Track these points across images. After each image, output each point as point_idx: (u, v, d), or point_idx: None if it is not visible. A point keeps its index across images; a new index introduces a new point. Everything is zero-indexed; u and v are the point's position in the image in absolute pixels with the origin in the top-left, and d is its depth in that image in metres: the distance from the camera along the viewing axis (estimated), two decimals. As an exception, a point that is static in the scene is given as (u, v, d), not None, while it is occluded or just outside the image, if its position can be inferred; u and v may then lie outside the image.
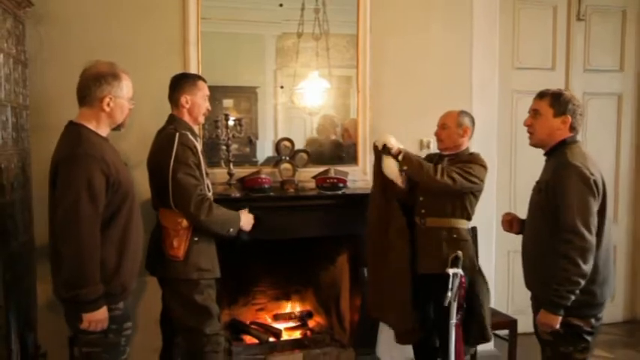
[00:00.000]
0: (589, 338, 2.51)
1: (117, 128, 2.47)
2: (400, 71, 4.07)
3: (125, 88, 2.39)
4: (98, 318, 2.26)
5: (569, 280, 2.40)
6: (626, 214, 5.06)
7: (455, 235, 3.15)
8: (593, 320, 2.51)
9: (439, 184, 3.04)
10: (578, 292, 2.41)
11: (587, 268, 2.39)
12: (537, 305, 2.57)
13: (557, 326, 2.47)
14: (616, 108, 4.95)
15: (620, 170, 5.01)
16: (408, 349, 4.17)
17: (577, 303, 2.43)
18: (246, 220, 2.98)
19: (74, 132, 2.32)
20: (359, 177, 3.98)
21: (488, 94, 4.30)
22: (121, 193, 2.33)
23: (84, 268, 2.20)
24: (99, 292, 2.24)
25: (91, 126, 2.35)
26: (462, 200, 3.14)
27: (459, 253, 2.96)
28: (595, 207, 2.43)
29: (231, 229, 2.88)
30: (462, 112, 3.29)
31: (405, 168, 3.14)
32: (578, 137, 2.64)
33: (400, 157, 3.16)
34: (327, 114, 4.12)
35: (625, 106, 4.96)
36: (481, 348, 4.16)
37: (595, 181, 2.43)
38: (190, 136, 2.83)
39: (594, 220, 2.42)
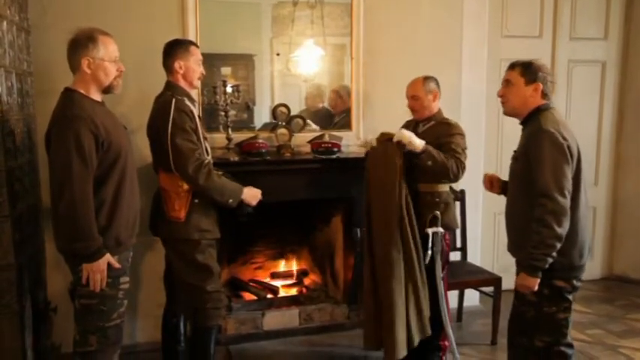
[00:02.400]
0: (570, 297, 2.53)
1: (107, 91, 2.45)
2: (393, 39, 4.04)
3: (103, 49, 2.37)
4: (96, 269, 2.31)
5: (544, 243, 2.38)
6: (606, 177, 5.10)
7: (437, 199, 3.20)
8: (574, 281, 2.53)
9: (456, 174, 3.09)
10: (555, 254, 2.40)
11: (561, 230, 2.37)
12: (519, 270, 2.55)
13: (536, 288, 2.46)
14: (600, 75, 4.94)
15: (602, 135, 5.03)
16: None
17: (559, 265, 2.44)
18: (250, 193, 2.94)
19: (66, 97, 2.36)
20: (352, 142, 3.98)
21: (477, 62, 4.28)
22: (112, 154, 2.35)
23: (79, 223, 2.24)
24: (96, 245, 2.29)
25: (83, 90, 2.36)
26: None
27: (437, 213, 3.05)
28: (569, 171, 2.40)
29: (231, 200, 2.84)
30: (426, 78, 3.27)
31: (429, 163, 3.08)
32: (553, 104, 2.60)
33: (425, 156, 3.07)
34: (316, 82, 4.08)
35: (608, 73, 4.95)
36: (467, 304, 4.26)
37: (569, 147, 2.40)
38: (187, 102, 2.81)
39: (568, 184, 2.39)
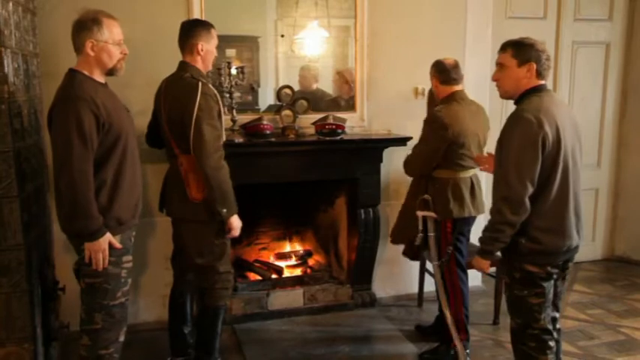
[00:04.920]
0: (545, 284, 2.44)
1: (111, 73, 2.44)
2: (397, 21, 4.00)
3: (107, 32, 2.36)
4: (97, 248, 2.32)
5: (492, 228, 2.40)
6: (608, 160, 5.09)
7: (436, 185, 3.17)
8: (549, 268, 2.42)
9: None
10: (506, 239, 2.39)
11: (514, 218, 2.33)
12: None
13: (488, 270, 2.58)
14: (603, 57, 4.91)
15: (605, 117, 5.01)
16: (401, 286, 4.30)
17: (527, 250, 2.39)
18: (237, 223, 2.86)
19: (69, 77, 2.37)
20: (356, 123, 3.97)
21: (482, 44, 4.24)
22: (112, 135, 2.35)
23: (78, 202, 2.26)
24: (96, 224, 2.30)
25: (86, 72, 2.37)
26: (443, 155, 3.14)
27: (425, 196, 3.03)
28: (535, 162, 2.31)
29: (225, 210, 2.76)
30: (432, 64, 3.27)
31: None
32: (547, 85, 2.49)
33: None
34: (306, 65, 4.04)
35: (612, 55, 4.92)
36: (470, 284, 4.24)
37: (544, 137, 2.29)
38: (210, 85, 2.78)
39: (531, 173, 2.31)
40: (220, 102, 2.79)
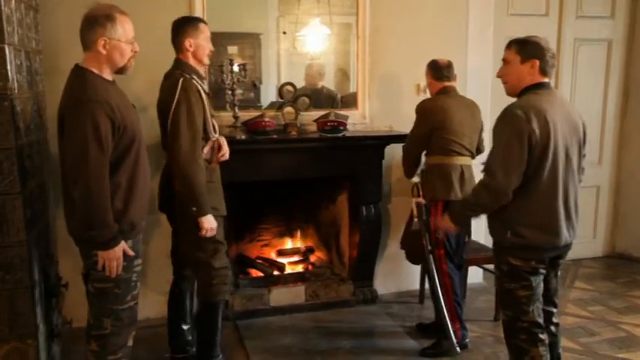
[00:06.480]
0: (532, 278, 2.46)
1: (120, 72, 2.35)
2: (399, 18, 4.00)
3: (121, 29, 2.25)
4: (112, 256, 2.26)
5: (468, 202, 2.59)
6: (610, 157, 5.08)
7: (427, 171, 3.31)
8: (533, 262, 2.45)
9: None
10: (475, 217, 2.65)
11: (490, 204, 2.45)
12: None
13: (451, 230, 2.80)
14: (605, 54, 4.89)
15: (607, 115, 4.99)
16: (402, 283, 4.30)
17: (510, 243, 2.45)
18: (208, 224, 2.76)
19: (79, 77, 2.25)
20: (358, 120, 3.97)
21: (484, 41, 4.23)
22: (127, 137, 2.27)
23: (94, 211, 2.18)
24: (111, 232, 2.23)
25: (95, 70, 2.26)
26: (428, 141, 3.29)
27: (416, 183, 3.19)
28: (522, 155, 2.34)
29: (194, 209, 2.71)
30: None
31: None
32: (550, 83, 2.51)
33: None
34: (311, 63, 4.05)
35: (614, 52, 4.90)
36: (470, 280, 4.28)
37: (530, 133, 2.32)
38: (194, 81, 2.76)
39: (516, 167, 2.36)
40: (205, 98, 2.77)
